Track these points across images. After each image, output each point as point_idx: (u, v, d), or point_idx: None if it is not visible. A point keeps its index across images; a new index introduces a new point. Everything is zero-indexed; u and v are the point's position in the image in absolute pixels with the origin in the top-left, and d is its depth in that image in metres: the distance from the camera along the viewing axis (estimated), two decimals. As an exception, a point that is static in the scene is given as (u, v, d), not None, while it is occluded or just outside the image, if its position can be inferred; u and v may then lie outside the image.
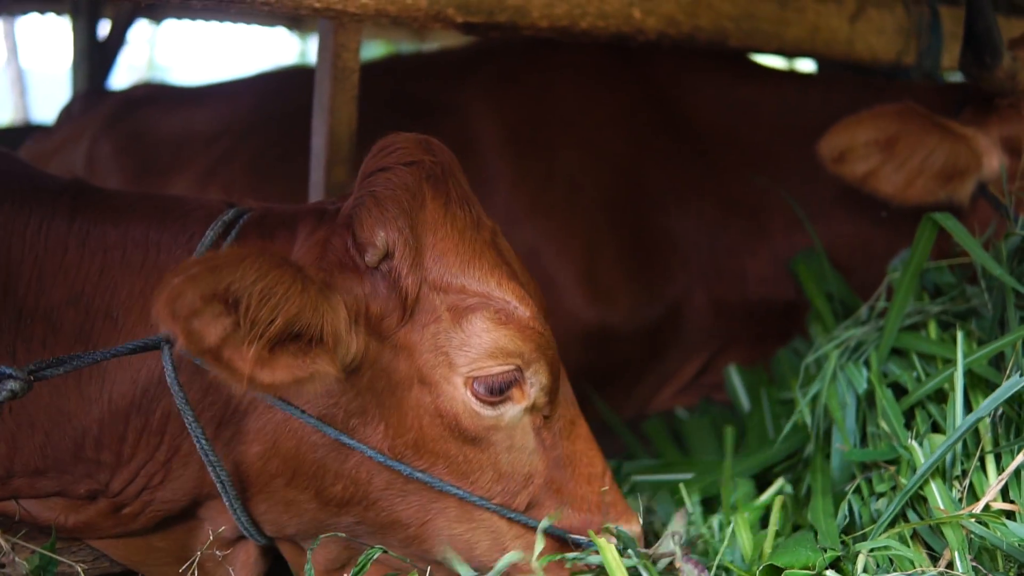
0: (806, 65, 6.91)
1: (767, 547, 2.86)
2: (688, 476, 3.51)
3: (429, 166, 2.76)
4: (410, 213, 2.69)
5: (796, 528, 3.11)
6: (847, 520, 2.99)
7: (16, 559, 2.78)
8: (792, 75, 5.01)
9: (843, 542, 2.84)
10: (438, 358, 2.71)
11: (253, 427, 2.76)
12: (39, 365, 2.51)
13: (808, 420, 3.35)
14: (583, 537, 2.82)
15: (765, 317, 4.42)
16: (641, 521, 2.96)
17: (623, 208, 4.43)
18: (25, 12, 11.09)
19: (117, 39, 9.58)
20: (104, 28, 9.21)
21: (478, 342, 2.70)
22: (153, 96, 5.52)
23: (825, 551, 2.77)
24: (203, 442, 2.69)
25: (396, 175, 2.72)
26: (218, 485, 2.75)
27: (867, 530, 2.89)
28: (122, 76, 10.53)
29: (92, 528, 2.92)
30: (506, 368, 2.73)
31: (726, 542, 2.91)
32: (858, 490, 3.08)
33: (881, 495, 3.00)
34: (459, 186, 2.82)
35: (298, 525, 2.84)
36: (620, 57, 4.62)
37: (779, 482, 3.22)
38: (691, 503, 3.21)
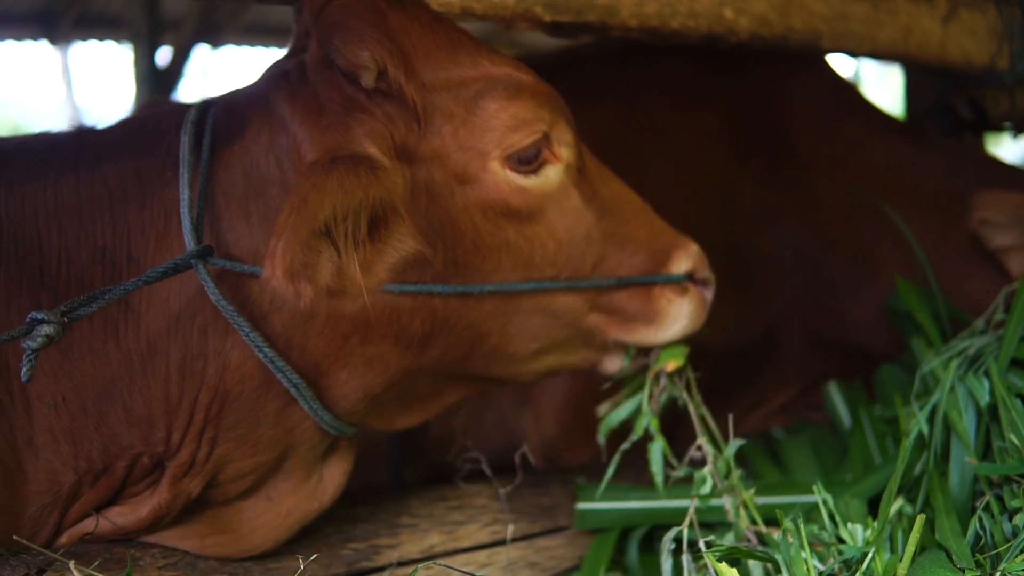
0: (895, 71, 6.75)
1: (901, 569, 2.65)
2: (789, 499, 3.32)
3: None
4: (380, 27, 2.64)
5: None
6: (978, 540, 2.78)
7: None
8: (897, 123, 4.81)
9: (978, 562, 2.64)
10: (467, 153, 2.72)
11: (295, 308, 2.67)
12: (70, 305, 2.40)
13: (926, 433, 3.15)
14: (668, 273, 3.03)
15: (863, 364, 4.22)
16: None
17: (716, 226, 4.21)
18: (85, 39, 11.19)
19: (178, 66, 9.61)
20: (163, 55, 9.20)
21: (498, 123, 2.72)
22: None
23: (963, 571, 2.58)
24: (266, 350, 2.62)
25: (345, 1, 2.68)
26: (285, 382, 2.68)
27: (1000, 549, 2.67)
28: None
29: (174, 505, 2.77)
30: (534, 136, 2.76)
31: (865, 565, 2.71)
32: (986, 507, 2.87)
33: (1017, 511, 2.79)
34: None
35: (384, 382, 2.80)
36: (714, 68, 4.46)
37: (899, 502, 3.01)
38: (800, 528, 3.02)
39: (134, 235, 2.68)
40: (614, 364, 3.11)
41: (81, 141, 2.86)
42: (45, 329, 2.31)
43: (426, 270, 2.70)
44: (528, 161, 2.76)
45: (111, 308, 2.65)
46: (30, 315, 2.34)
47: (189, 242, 2.59)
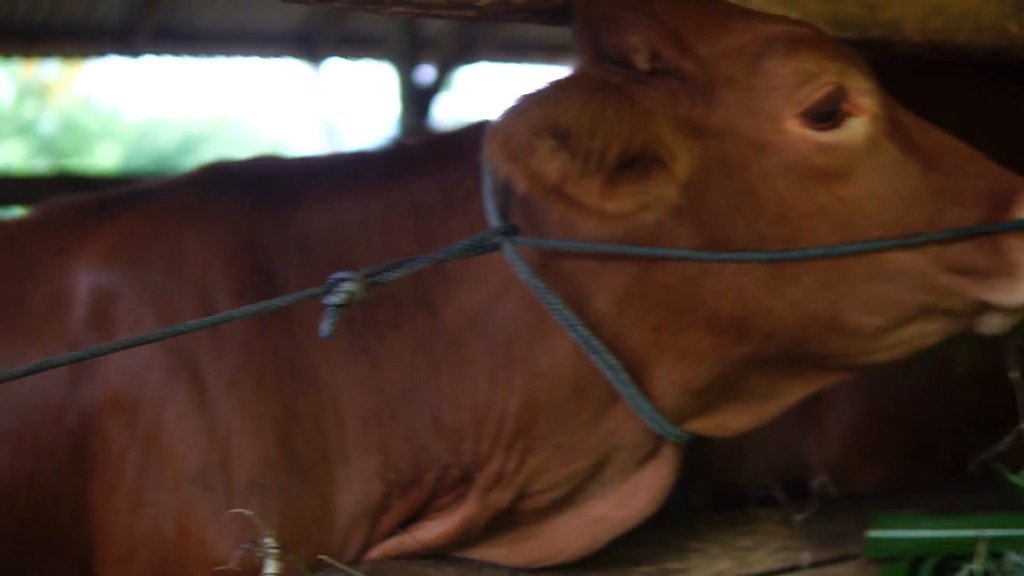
0: None
1: None
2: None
3: None
4: (646, 12, 2.55)
5: None
6: None
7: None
8: None
9: None
10: (756, 118, 2.55)
11: (608, 295, 2.64)
12: (375, 269, 2.42)
13: None
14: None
15: None
16: None
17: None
18: (344, 58, 11.49)
19: (438, 84, 9.82)
20: (423, 74, 9.40)
21: (781, 80, 2.53)
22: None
23: None
24: (580, 329, 2.59)
25: None
26: (608, 373, 2.63)
27: None
28: (440, 120, 10.66)
29: (482, 517, 2.81)
30: (825, 89, 2.54)
31: None
32: None
33: None
34: None
35: (701, 375, 2.70)
36: (1003, 82, 4.34)
37: None
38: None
39: (439, 244, 2.71)
40: (990, 324, 2.75)
41: (390, 157, 3.00)
42: (347, 286, 2.33)
43: (733, 239, 2.58)
44: (826, 117, 2.56)
45: (419, 319, 2.75)
46: (332, 275, 2.37)
47: (494, 224, 2.64)
